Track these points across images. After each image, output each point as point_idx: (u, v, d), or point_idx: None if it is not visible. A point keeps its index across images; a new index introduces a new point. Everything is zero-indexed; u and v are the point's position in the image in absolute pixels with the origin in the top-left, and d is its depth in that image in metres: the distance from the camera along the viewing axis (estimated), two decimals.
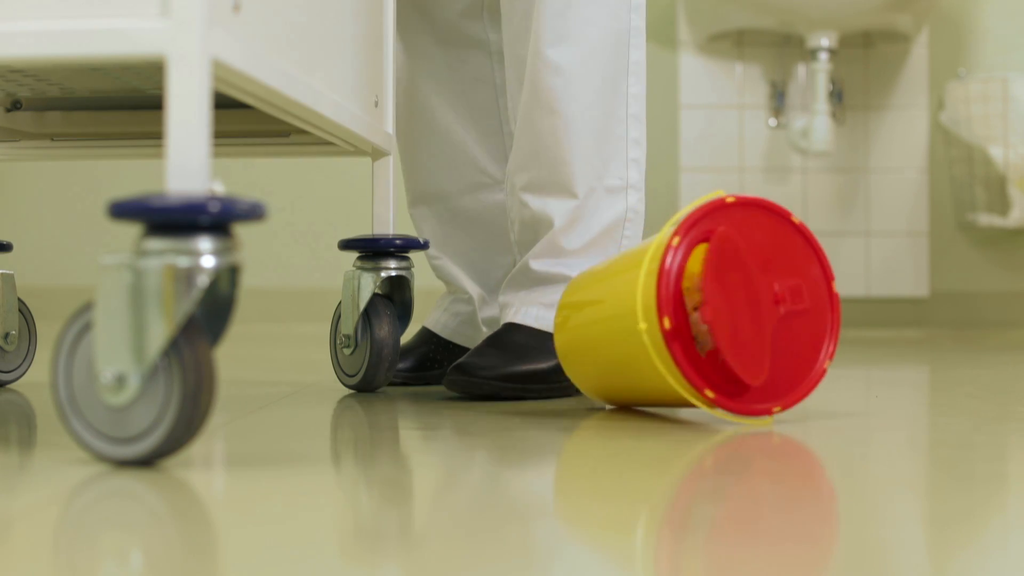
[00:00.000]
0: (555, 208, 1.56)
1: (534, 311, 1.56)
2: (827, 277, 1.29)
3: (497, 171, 1.76)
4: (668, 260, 1.22)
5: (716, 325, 1.20)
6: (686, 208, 1.25)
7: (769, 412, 1.26)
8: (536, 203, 1.57)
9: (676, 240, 1.23)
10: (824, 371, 1.29)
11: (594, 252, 1.56)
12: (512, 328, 1.56)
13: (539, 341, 1.54)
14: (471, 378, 1.49)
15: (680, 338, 1.22)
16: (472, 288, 1.76)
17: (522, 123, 1.57)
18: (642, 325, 1.23)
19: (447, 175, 1.76)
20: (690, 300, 1.22)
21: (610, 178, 1.56)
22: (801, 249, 1.29)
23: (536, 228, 1.58)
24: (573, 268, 1.56)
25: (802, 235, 1.29)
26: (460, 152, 1.76)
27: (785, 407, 1.27)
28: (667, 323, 1.21)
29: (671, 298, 1.22)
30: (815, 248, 1.29)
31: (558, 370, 1.52)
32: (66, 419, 0.98)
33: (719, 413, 1.25)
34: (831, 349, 1.29)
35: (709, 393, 1.22)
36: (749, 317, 1.24)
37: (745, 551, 0.74)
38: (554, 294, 1.56)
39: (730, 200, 1.26)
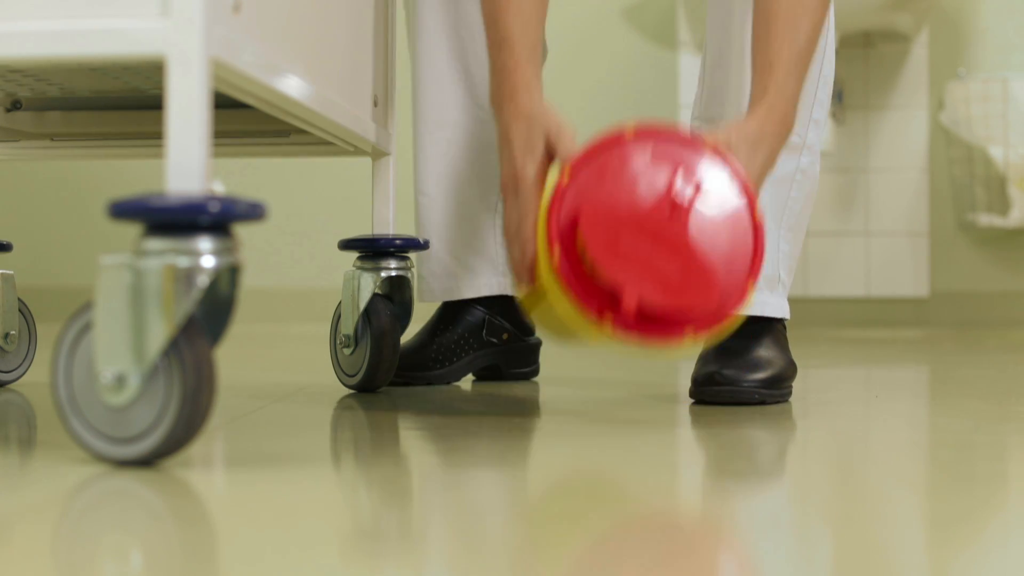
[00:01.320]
0: None
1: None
2: (747, 194, 1.19)
3: None
4: (555, 204, 1.16)
5: (633, 292, 1.13)
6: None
7: (681, 334, 1.16)
8: None
9: (566, 179, 1.17)
10: (747, 291, 1.18)
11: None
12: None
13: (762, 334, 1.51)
14: (734, 388, 1.44)
15: (572, 270, 1.15)
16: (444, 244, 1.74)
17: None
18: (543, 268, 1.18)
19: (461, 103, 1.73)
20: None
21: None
22: (716, 169, 1.20)
23: None
24: None
25: (715, 152, 1.21)
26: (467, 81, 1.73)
27: (699, 329, 1.17)
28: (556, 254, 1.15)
29: (556, 237, 1.15)
30: (728, 163, 1.20)
31: (790, 366, 1.49)
32: (66, 419, 0.98)
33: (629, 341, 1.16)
34: (756, 266, 1.18)
35: (607, 317, 1.15)
36: (663, 261, 1.15)
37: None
38: None
39: (630, 135, 1.19)
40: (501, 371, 1.78)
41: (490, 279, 1.76)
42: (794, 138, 1.50)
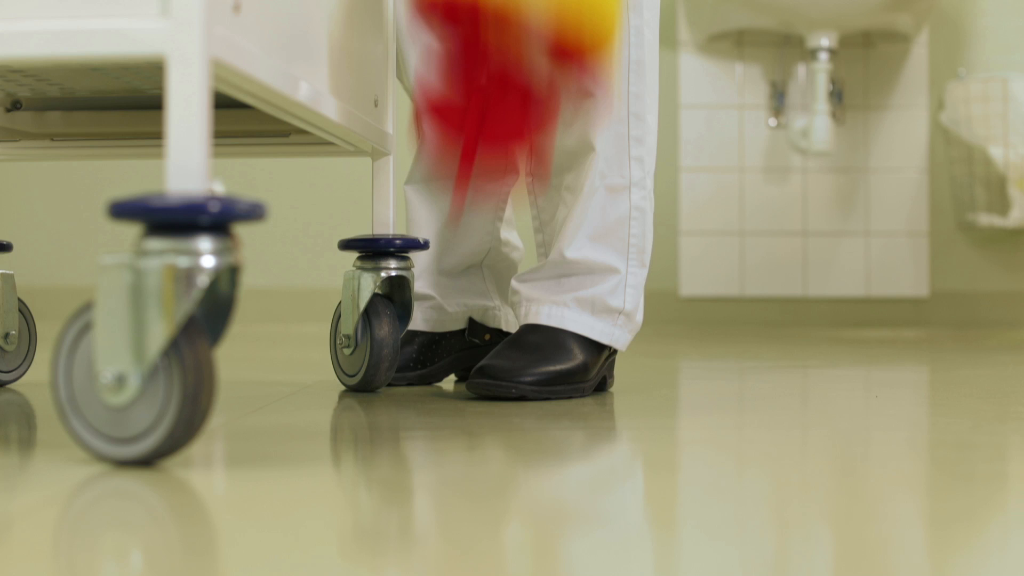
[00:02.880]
0: None
1: (546, 310, 1.57)
2: None
3: None
4: None
5: None
6: None
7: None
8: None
9: None
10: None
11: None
12: (531, 329, 1.57)
13: (557, 340, 1.55)
14: (497, 381, 1.49)
15: None
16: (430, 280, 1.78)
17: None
18: None
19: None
20: None
21: (613, 176, 1.58)
22: None
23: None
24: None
25: None
26: None
27: None
28: None
29: None
30: None
31: (582, 369, 1.53)
32: (66, 419, 0.98)
33: None
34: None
35: None
36: None
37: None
38: (569, 292, 1.57)
39: None
40: None
41: (473, 304, 1.78)
42: (618, 180, 1.56)
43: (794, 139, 3.24)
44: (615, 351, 1.60)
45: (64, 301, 3.32)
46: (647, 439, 1.20)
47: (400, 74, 1.77)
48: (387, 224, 1.58)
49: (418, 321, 1.75)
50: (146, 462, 0.97)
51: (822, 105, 3.09)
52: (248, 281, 3.37)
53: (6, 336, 1.61)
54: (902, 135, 3.38)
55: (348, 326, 1.57)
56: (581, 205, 1.57)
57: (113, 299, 0.94)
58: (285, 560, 0.71)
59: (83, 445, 0.98)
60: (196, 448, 1.08)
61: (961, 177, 3.32)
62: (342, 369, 1.61)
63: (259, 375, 1.87)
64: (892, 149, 3.38)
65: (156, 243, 0.94)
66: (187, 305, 0.93)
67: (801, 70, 3.34)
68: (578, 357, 1.54)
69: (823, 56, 3.08)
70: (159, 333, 0.93)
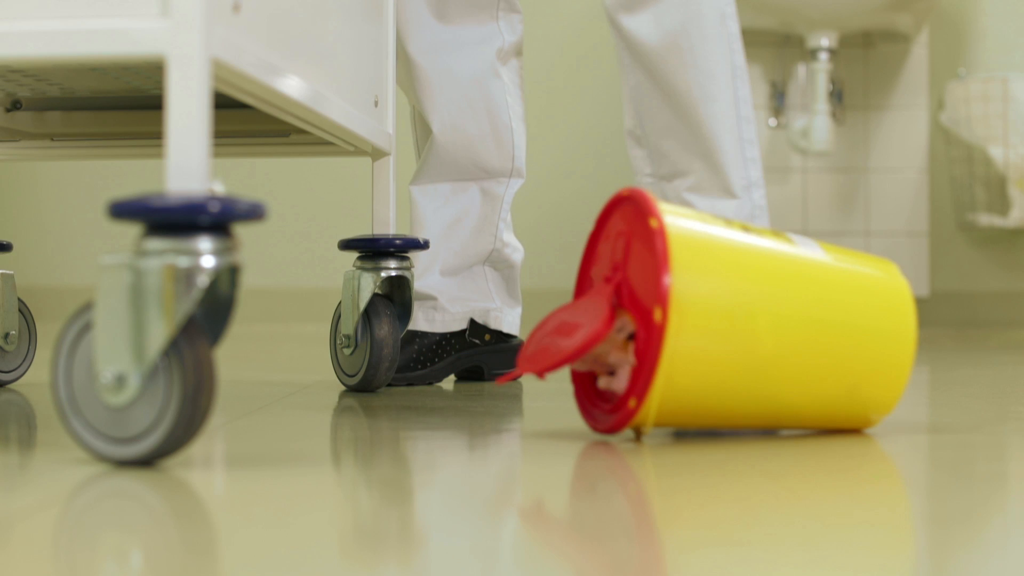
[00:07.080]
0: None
1: None
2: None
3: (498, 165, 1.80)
4: None
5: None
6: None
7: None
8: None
9: None
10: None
11: None
12: None
13: None
14: None
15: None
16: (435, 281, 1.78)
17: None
18: None
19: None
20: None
21: (734, 178, 1.67)
22: None
23: None
24: None
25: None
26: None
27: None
28: None
29: None
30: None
31: None
32: (66, 419, 0.98)
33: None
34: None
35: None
36: None
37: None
38: None
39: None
40: (483, 372, 1.78)
41: (475, 306, 1.78)
42: (739, 181, 1.68)
43: (794, 139, 3.24)
44: None
45: (64, 301, 3.32)
46: (645, 439, 1.20)
47: (401, 82, 1.78)
48: (387, 224, 1.58)
49: (419, 321, 1.75)
50: (146, 462, 0.97)
51: (822, 105, 3.09)
52: (248, 281, 3.37)
53: (6, 336, 1.61)
54: (902, 135, 3.38)
55: (348, 326, 1.57)
56: (704, 208, 1.64)
57: (113, 299, 0.94)
58: (285, 560, 0.71)
59: (83, 445, 0.98)
60: (196, 448, 1.08)
61: (961, 177, 3.32)
62: (342, 369, 1.61)
63: (259, 375, 1.87)
64: (892, 149, 3.38)
65: (156, 243, 0.94)
66: (187, 305, 0.93)
67: (801, 70, 3.34)
68: None
69: (823, 56, 3.08)
70: (159, 333, 0.93)
